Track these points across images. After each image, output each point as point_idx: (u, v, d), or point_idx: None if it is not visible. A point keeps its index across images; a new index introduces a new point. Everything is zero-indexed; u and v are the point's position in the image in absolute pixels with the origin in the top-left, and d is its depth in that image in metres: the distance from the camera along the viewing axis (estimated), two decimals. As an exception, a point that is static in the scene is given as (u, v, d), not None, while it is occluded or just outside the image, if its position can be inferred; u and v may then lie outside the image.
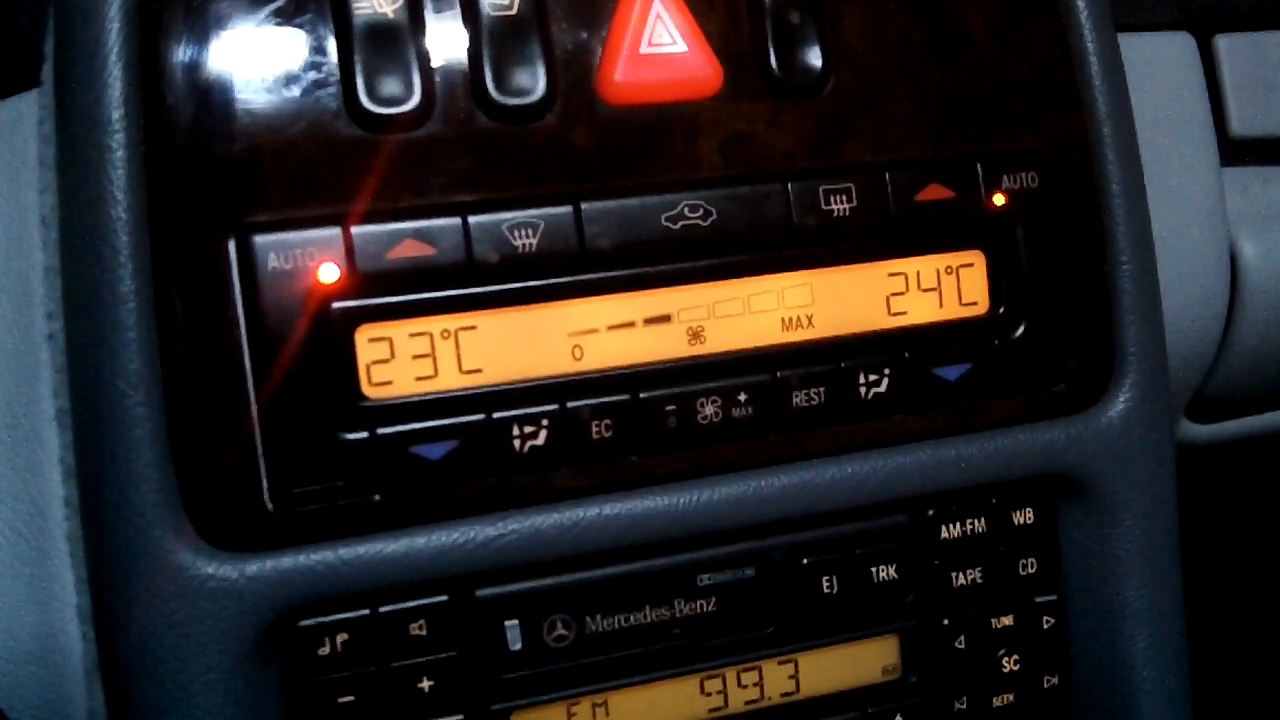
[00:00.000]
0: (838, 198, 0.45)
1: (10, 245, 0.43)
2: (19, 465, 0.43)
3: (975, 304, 0.47)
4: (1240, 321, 0.55)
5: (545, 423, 0.43)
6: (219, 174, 0.41)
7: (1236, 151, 0.55)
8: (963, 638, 0.49)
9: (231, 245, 0.41)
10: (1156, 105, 0.53)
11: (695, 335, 0.44)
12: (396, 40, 0.42)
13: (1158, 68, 0.54)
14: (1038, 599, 0.50)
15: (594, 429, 0.43)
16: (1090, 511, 0.50)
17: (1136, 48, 0.53)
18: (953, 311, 0.47)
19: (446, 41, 0.42)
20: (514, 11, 0.43)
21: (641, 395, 0.44)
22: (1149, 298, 0.49)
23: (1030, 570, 0.50)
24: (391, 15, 0.42)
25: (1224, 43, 0.54)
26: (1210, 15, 0.54)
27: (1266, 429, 0.61)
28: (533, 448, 0.43)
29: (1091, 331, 0.49)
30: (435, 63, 0.42)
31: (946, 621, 0.49)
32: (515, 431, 0.43)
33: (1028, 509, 0.50)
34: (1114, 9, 0.50)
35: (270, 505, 0.41)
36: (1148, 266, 0.49)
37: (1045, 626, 0.50)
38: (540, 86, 0.43)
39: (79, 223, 0.41)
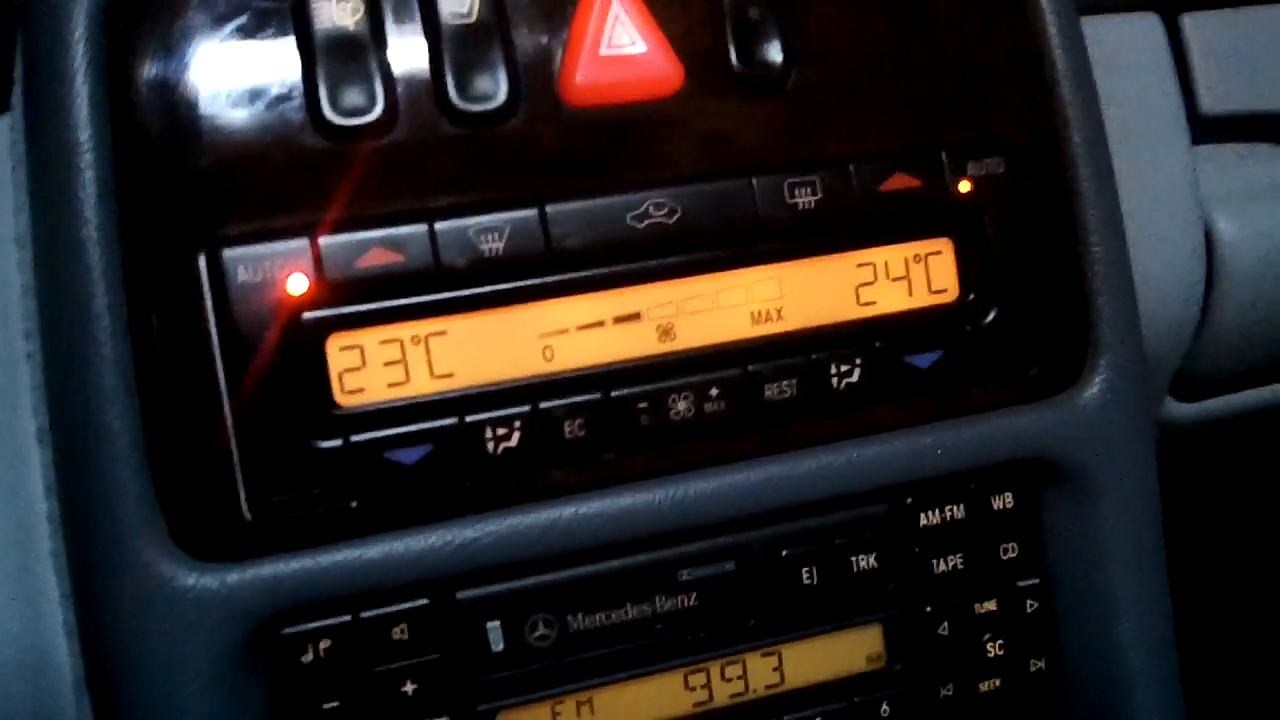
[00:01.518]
0: (803, 190, 0.45)
1: None
2: (2, 484, 0.43)
3: (945, 291, 0.47)
4: (1218, 298, 0.55)
5: (518, 424, 0.43)
6: (188, 190, 0.41)
7: (1207, 129, 0.55)
8: (946, 624, 0.50)
9: (202, 259, 0.41)
10: (1125, 87, 0.53)
11: (665, 332, 0.45)
12: (358, 51, 0.42)
13: (1125, 49, 0.54)
14: (1020, 583, 0.50)
15: (567, 428, 0.44)
16: (1071, 495, 0.50)
17: (1103, 30, 0.53)
18: (923, 300, 0.47)
19: (407, 51, 0.43)
20: (473, 19, 0.43)
21: (614, 393, 0.44)
22: (1121, 279, 0.49)
23: (1012, 555, 0.50)
24: (352, 27, 0.42)
25: (1190, 21, 0.54)
26: (1175, -6, 0.54)
27: (1251, 405, 0.61)
28: (506, 449, 0.43)
29: (1064, 315, 0.49)
30: (397, 72, 0.43)
31: (929, 609, 0.49)
32: (489, 434, 0.43)
33: (1007, 494, 0.50)
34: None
35: (248, 514, 0.42)
36: (1118, 248, 0.49)
37: (1029, 610, 0.50)
38: (502, 91, 0.43)
39: (52, 242, 0.41)
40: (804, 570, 0.48)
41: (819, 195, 0.46)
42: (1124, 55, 0.54)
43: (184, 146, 0.41)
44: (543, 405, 0.44)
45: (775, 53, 0.45)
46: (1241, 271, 0.55)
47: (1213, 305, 0.56)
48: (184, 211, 0.41)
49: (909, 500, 0.49)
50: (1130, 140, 0.53)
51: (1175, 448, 0.60)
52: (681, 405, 0.45)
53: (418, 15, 0.43)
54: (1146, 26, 0.55)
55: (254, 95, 0.42)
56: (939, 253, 0.47)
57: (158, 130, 0.41)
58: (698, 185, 0.45)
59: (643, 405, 0.45)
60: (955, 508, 0.49)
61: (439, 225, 0.42)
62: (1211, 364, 0.58)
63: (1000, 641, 0.50)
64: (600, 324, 0.44)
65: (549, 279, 0.44)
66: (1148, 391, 0.51)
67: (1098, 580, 0.50)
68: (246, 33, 0.42)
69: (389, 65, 0.43)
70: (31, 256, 0.43)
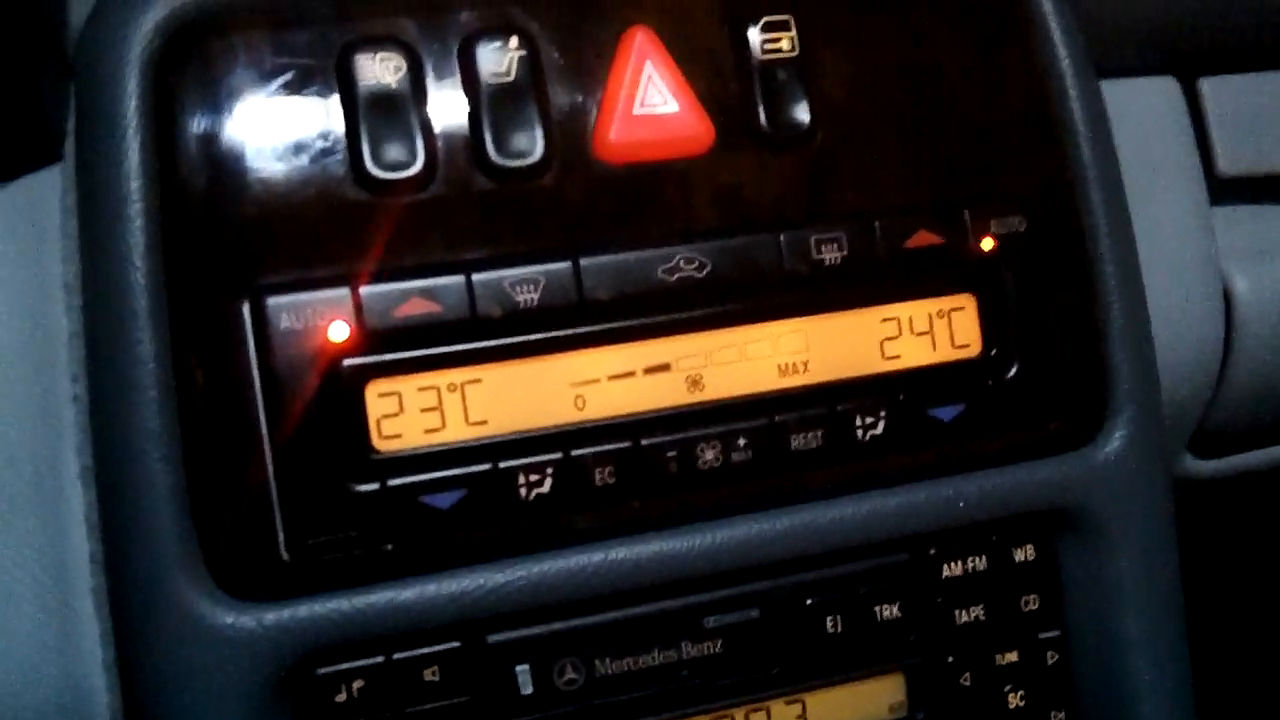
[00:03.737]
0: (829, 246, 0.47)
1: (36, 312, 0.45)
2: (45, 522, 0.44)
3: (968, 346, 0.48)
4: (1236, 356, 0.56)
5: (550, 470, 0.44)
6: (233, 239, 0.43)
7: (1225, 190, 0.56)
8: (968, 675, 0.50)
9: (246, 307, 0.43)
10: (1144, 147, 0.55)
11: (694, 383, 0.46)
12: (399, 108, 0.44)
13: (1144, 111, 0.55)
14: (1041, 635, 0.51)
15: (597, 475, 0.45)
16: (1089, 546, 0.50)
17: (1122, 92, 0.54)
18: (945, 354, 0.48)
19: (447, 108, 0.44)
20: (511, 79, 0.45)
21: (643, 442, 0.45)
22: (1140, 335, 0.50)
23: (1033, 607, 0.51)
24: (394, 85, 0.44)
25: (1208, 85, 0.56)
26: (1193, 59, 0.56)
27: (1270, 463, 0.62)
28: (538, 495, 0.44)
29: (1084, 370, 0.50)
30: (437, 129, 0.44)
31: (951, 659, 0.50)
32: (521, 480, 0.44)
33: (1028, 546, 0.50)
34: (1098, 56, 0.52)
35: (286, 556, 0.43)
36: (1138, 305, 0.50)
37: (1050, 662, 0.51)
38: (538, 149, 0.44)
39: (100, 289, 0.43)
40: (828, 618, 0.49)
41: (844, 251, 0.47)
42: (1143, 117, 0.55)
43: (229, 197, 0.43)
44: (574, 453, 0.45)
45: (802, 112, 0.47)
46: (1259, 330, 0.56)
47: (1230, 363, 0.57)
48: (228, 260, 0.43)
49: (931, 551, 0.50)
50: (1149, 200, 0.54)
51: (1194, 504, 0.60)
52: (709, 454, 0.46)
53: (457, 74, 0.45)
54: (1165, 89, 0.56)
55: (297, 149, 0.43)
56: (962, 308, 0.48)
57: (204, 182, 0.43)
58: (726, 240, 0.46)
59: (671, 454, 0.46)
60: (977, 559, 0.50)
61: (475, 277, 0.44)
62: (1229, 420, 0.59)
63: (1021, 693, 0.51)
64: (631, 374, 0.45)
65: (581, 330, 0.45)
66: (1166, 446, 0.52)
67: (1116, 630, 0.51)
68: (291, 89, 0.43)
69: (429, 122, 0.44)
70: (80, 303, 0.44)
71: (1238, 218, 0.57)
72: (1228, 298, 0.56)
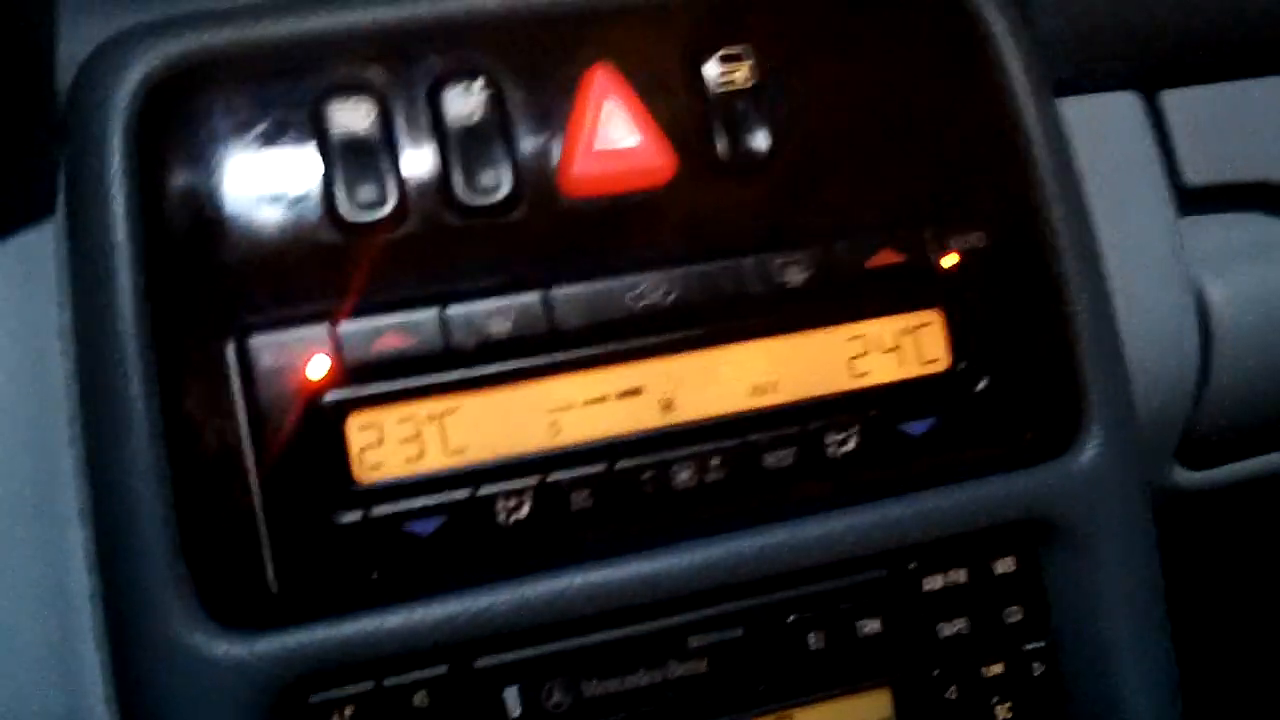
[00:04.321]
0: (792, 268, 0.48)
1: (33, 357, 0.47)
2: (46, 561, 0.46)
3: (936, 361, 0.49)
4: (1215, 362, 0.57)
5: (528, 495, 0.46)
6: (216, 283, 0.45)
7: (1192, 200, 0.57)
8: (954, 688, 0.51)
9: (230, 347, 0.44)
10: (1109, 162, 0.56)
11: (666, 405, 0.47)
12: (371, 152, 0.46)
13: (1107, 126, 0.56)
14: (1026, 646, 0.51)
15: (575, 499, 0.46)
16: (1070, 556, 0.51)
17: (1084, 108, 0.55)
18: (914, 369, 0.49)
19: (417, 150, 0.46)
20: (478, 119, 0.46)
21: (618, 465, 0.46)
22: (1109, 346, 0.51)
23: (1016, 618, 0.51)
24: (366, 130, 0.46)
25: (1169, 98, 0.57)
26: (1153, 73, 0.57)
27: (1261, 471, 0.62)
28: (517, 520, 0.46)
29: (1055, 381, 0.51)
30: (407, 170, 0.46)
31: (937, 672, 0.50)
32: (500, 505, 0.46)
33: (1009, 557, 0.51)
34: (1059, 73, 0.53)
35: (275, 586, 0.44)
36: (1105, 314, 0.51)
37: (1036, 673, 0.51)
38: (505, 186, 0.46)
39: (91, 335, 0.45)
40: (810, 635, 0.49)
41: (808, 272, 0.48)
42: (1106, 132, 0.56)
43: (212, 243, 0.45)
44: (551, 477, 0.46)
45: (761, 140, 0.48)
46: (1236, 334, 0.56)
47: (1211, 369, 0.57)
48: (212, 304, 0.45)
49: (911, 565, 0.50)
50: (1116, 213, 0.55)
51: (1184, 514, 0.61)
52: (684, 475, 0.47)
53: (426, 117, 0.46)
54: (1127, 104, 0.57)
55: (275, 195, 0.45)
56: (929, 324, 0.49)
57: (187, 230, 0.45)
58: (691, 266, 0.47)
59: (647, 476, 0.47)
60: (958, 572, 0.51)
61: (449, 310, 0.45)
62: (1215, 428, 0.59)
63: (1009, 704, 0.51)
64: (604, 399, 0.47)
65: (554, 357, 0.46)
66: (1141, 454, 0.52)
67: (1101, 640, 0.51)
68: (267, 138, 0.45)
69: (400, 164, 0.46)
70: (73, 348, 0.46)
71: (1206, 226, 0.57)
72: (1202, 304, 0.56)
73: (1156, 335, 0.56)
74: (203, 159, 0.45)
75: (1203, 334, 0.57)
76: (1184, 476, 0.61)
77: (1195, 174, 0.57)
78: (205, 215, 0.45)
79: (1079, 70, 0.55)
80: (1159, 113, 0.57)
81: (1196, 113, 0.57)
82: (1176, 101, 0.57)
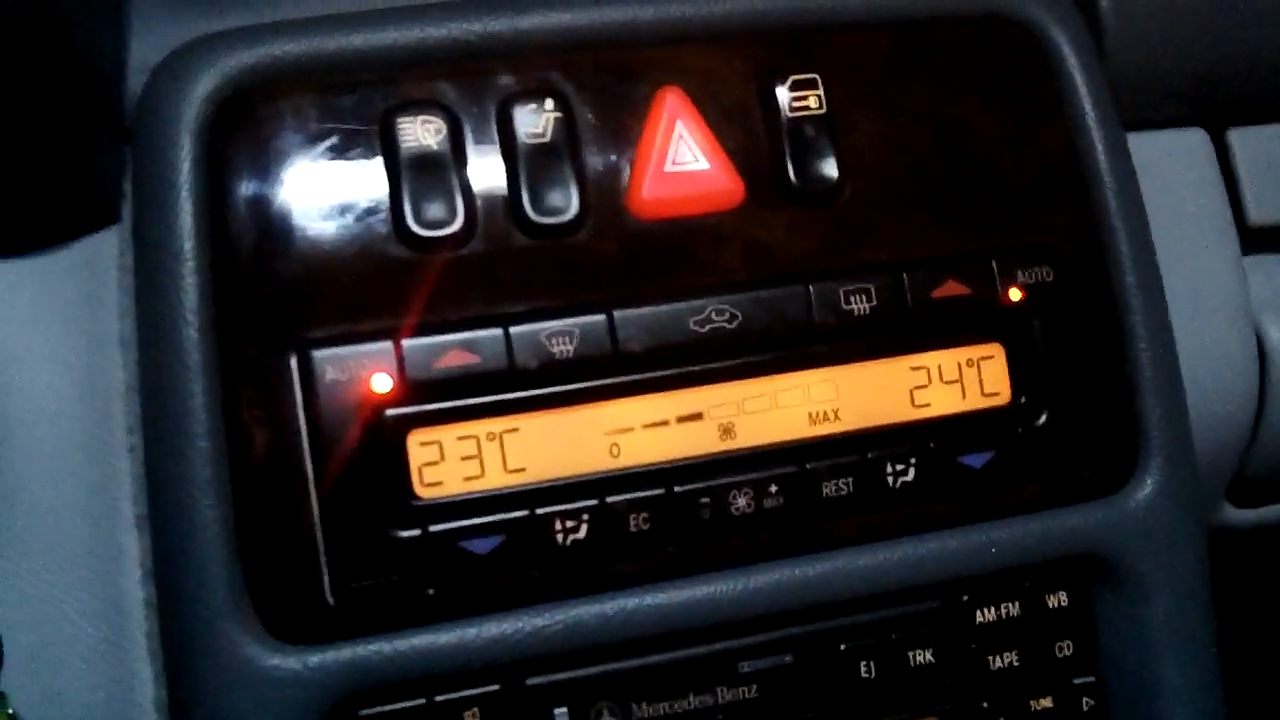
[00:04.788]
0: (857, 298, 0.48)
1: (93, 367, 0.47)
2: (102, 569, 0.46)
3: (997, 394, 0.49)
4: (1271, 405, 0.56)
5: (585, 517, 0.46)
6: (280, 296, 0.45)
7: (1257, 240, 0.57)
8: (1002, 720, 0.51)
9: (293, 360, 0.44)
10: (1175, 199, 0.55)
11: (726, 431, 0.47)
12: (440, 169, 0.46)
13: (1173, 162, 0.56)
14: (1076, 680, 0.51)
15: (632, 522, 0.46)
16: (1122, 592, 0.51)
17: (1152, 145, 0.55)
18: (975, 402, 0.49)
19: (486, 168, 0.46)
20: (547, 139, 0.46)
21: (676, 489, 0.46)
22: (1170, 384, 0.51)
23: (1067, 653, 0.51)
24: (435, 147, 0.46)
25: (1236, 136, 0.56)
26: (1221, 110, 0.56)
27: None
28: (574, 541, 0.46)
29: (1114, 418, 0.50)
30: (476, 188, 0.46)
31: (986, 704, 0.50)
32: (557, 526, 0.46)
33: (1061, 592, 0.51)
34: (1128, 109, 0.53)
35: (331, 599, 0.44)
36: (1167, 352, 0.51)
37: (1085, 709, 0.51)
38: (573, 206, 0.46)
39: (154, 344, 0.45)
40: (861, 663, 0.49)
41: (873, 302, 0.48)
42: (1173, 168, 0.56)
43: (277, 256, 0.45)
44: (609, 500, 0.46)
45: (830, 168, 0.48)
46: (1293, 378, 0.56)
47: (1265, 411, 0.57)
48: (276, 315, 0.45)
49: (964, 597, 0.50)
50: (1181, 250, 0.55)
51: (1233, 553, 0.60)
52: (741, 501, 0.47)
53: (496, 135, 0.46)
54: (1194, 141, 0.57)
55: (342, 208, 0.45)
56: (991, 357, 0.49)
57: (253, 241, 0.45)
58: (756, 292, 0.47)
59: (704, 501, 0.47)
60: (1010, 605, 0.50)
61: (513, 329, 0.45)
62: (1267, 469, 0.59)
63: (1057, 738, 0.51)
64: (664, 423, 0.47)
65: (616, 380, 0.46)
66: (1199, 492, 0.52)
67: (1149, 675, 0.51)
68: (336, 152, 0.45)
69: (468, 181, 0.46)
70: (135, 358, 0.46)
71: (1270, 266, 0.57)
72: (1261, 346, 0.56)
73: (1215, 373, 0.56)
74: (270, 170, 0.45)
75: (1262, 374, 0.56)
76: (1233, 514, 0.61)
77: (1260, 213, 0.56)
78: (271, 227, 0.45)
79: (1148, 106, 0.54)
80: (1226, 150, 0.57)
81: (1264, 151, 0.57)
82: (1244, 140, 0.56)
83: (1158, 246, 0.52)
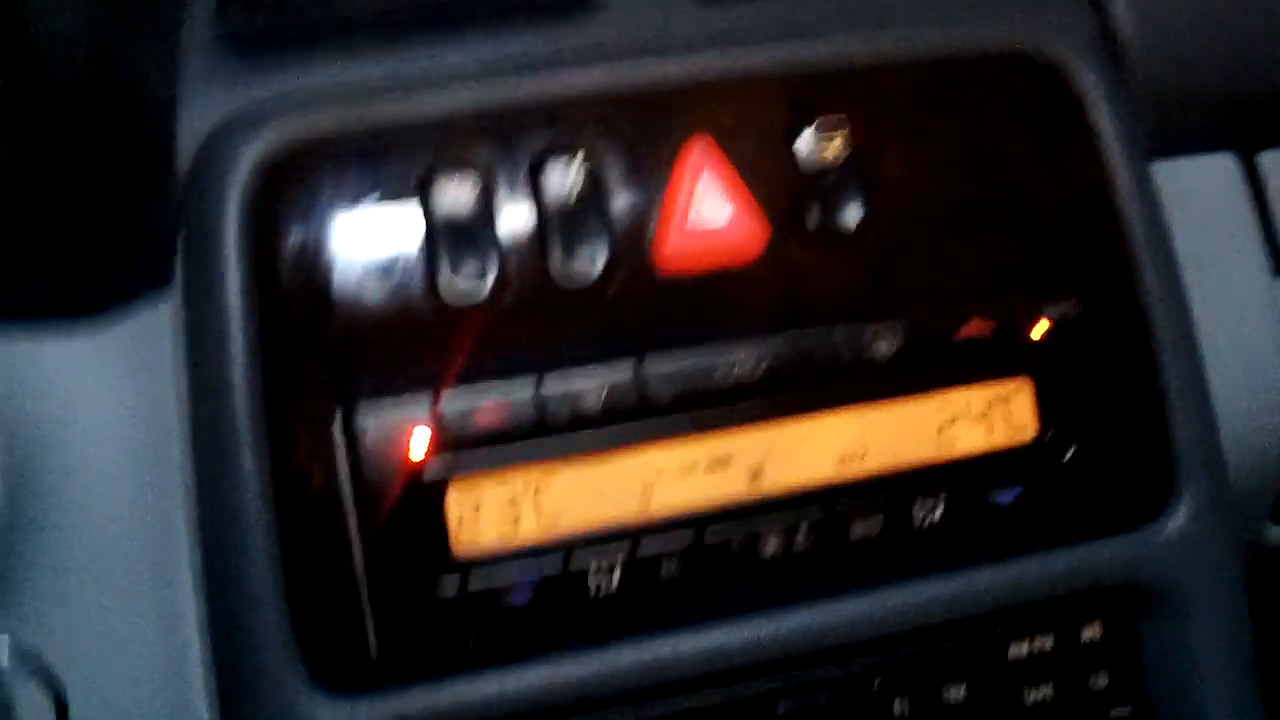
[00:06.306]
0: (883, 338, 0.48)
1: (153, 419, 0.49)
2: (160, 625, 0.48)
3: (1025, 429, 0.50)
4: (1309, 427, 0.56)
5: (619, 564, 0.47)
6: (324, 356, 0.46)
7: (1290, 264, 0.57)
8: (1040, 752, 0.51)
9: (338, 418, 0.46)
10: (1205, 224, 0.55)
11: (755, 475, 0.48)
12: (473, 230, 0.47)
13: (1204, 188, 0.56)
14: (1113, 712, 0.52)
15: (664, 568, 0.47)
16: (1160, 622, 0.51)
17: (1181, 170, 0.55)
18: (1003, 438, 0.49)
19: (516, 228, 0.47)
20: (574, 200, 0.48)
21: (707, 534, 0.47)
22: (1201, 411, 0.51)
23: (1103, 684, 0.51)
24: (467, 210, 0.47)
25: (1268, 159, 0.56)
26: (1252, 134, 0.56)
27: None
28: (610, 588, 0.47)
29: (1146, 449, 0.51)
30: (507, 246, 0.47)
31: (1022, 738, 0.51)
32: (592, 574, 0.47)
33: (1096, 623, 0.51)
34: (1157, 135, 0.53)
35: (376, 651, 0.46)
36: (1197, 381, 0.51)
37: (1123, 739, 0.52)
38: (600, 262, 0.47)
39: (205, 403, 0.47)
40: (895, 700, 0.50)
41: (899, 342, 0.48)
42: (1203, 194, 0.56)
43: (320, 317, 0.46)
44: (642, 547, 0.47)
45: (854, 212, 0.49)
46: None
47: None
48: (320, 375, 0.46)
49: (997, 631, 0.51)
50: (1210, 275, 0.55)
51: (1273, 571, 0.60)
52: (772, 544, 0.48)
53: (527, 193, 0.48)
54: (1225, 166, 0.57)
55: (381, 270, 0.46)
56: (1018, 392, 0.50)
57: (298, 304, 0.46)
58: (782, 336, 0.48)
59: (735, 545, 0.48)
60: (1044, 638, 0.51)
61: (545, 383, 0.47)
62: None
63: (1095, 769, 0.52)
64: (694, 469, 0.48)
65: (646, 428, 0.47)
66: (1235, 516, 0.52)
67: (1191, 705, 0.51)
68: (374, 216, 0.47)
69: (500, 241, 0.47)
70: (188, 415, 0.48)
71: (1303, 290, 0.57)
72: (1297, 370, 0.56)
73: (1251, 399, 0.56)
74: (314, 236, 0.47)
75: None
76: (1277, 534, 0.61)
77: (1293, 238, 0.56)
78: (315, 290, 0.46)
79: (1178, 130, 0.54)
80: (1257, 174, 0.56)
81: (1295, 175, 0.56)
82: (1276, 164, 0.56)
83: (1188, 272, 0.52)
